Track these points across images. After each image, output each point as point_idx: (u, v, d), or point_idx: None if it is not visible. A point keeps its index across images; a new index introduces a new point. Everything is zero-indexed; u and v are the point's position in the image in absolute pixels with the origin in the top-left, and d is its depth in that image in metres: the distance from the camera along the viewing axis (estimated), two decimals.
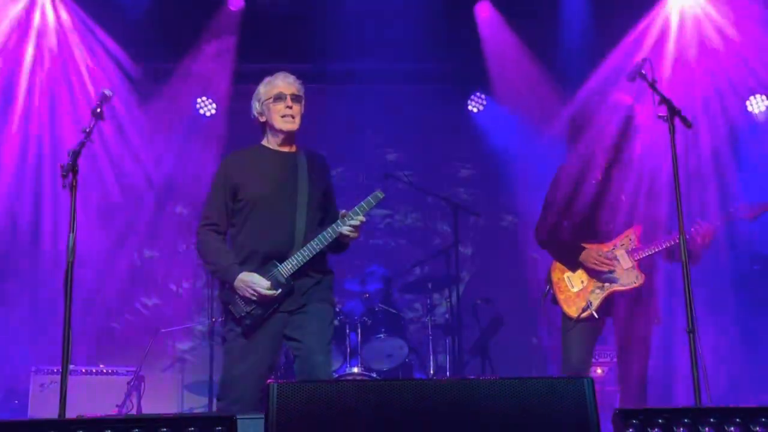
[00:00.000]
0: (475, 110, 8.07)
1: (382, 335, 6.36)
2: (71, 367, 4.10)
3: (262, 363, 4.03)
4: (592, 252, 4.48)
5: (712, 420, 2.78)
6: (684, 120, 3.88)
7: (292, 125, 4.20)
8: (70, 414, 3.37)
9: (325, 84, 7.90)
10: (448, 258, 6.99)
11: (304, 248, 4.03)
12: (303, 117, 4.25)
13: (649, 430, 2.76)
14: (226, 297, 4.11)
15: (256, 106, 4.26)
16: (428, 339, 6.75)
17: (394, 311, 6.68)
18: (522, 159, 7.73)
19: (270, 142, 4.27)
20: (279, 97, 4.17)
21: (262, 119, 4.26)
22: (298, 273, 4.04)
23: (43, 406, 6.02)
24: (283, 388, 2.82)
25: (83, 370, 6.28)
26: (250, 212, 4.11)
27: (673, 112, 3.88)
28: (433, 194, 7.52)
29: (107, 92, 3.87)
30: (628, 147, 4.63)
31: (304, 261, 4.03)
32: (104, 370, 6.40)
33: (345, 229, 4.02)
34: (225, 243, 4.18)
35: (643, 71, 4.00)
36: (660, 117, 3.93)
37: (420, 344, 6.97)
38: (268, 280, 4.00)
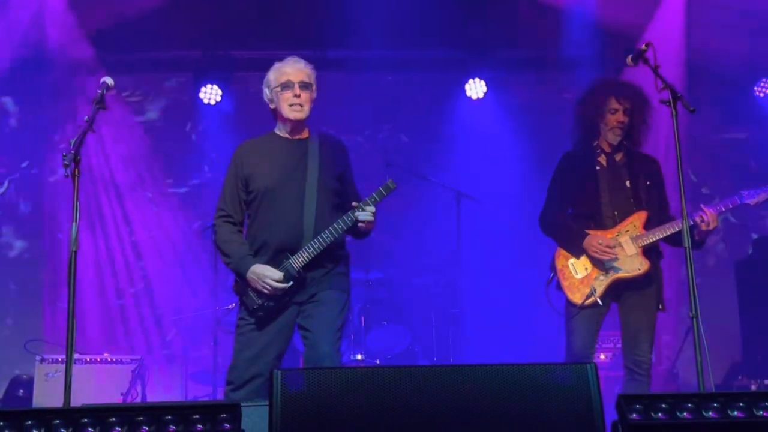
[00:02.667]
0: (476, 96, 8.03)
1: (385, 323, 6.38)
2: (76, 356, 4.11)
3: (271, 351, 4.02)
4: (593, 240, 4.48)
5: (715, 405, 2.78)
6: (686, 105, 3.87)
7: (300, 114, 4.14)
8: (75, 403, 3.38)
9: (324, 71, 7.87)
10: (451, 245, 6.99)
11: (315, 240, 3.98)
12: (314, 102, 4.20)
13: (652, 415, 2.76)
14: (239, 289, 4.10)
15: (266, 93, 4.22)
16: (431, 326, 6.76)
17: (397, 299, 6.70)
18: (525, 145, 7.72)
19: (281, 129, 4.23)
20: (287, 85, 4.12)
21: (272, 106, 4.22)
22: (311, 264, 4.01)
23: (47, 395, 6.03)
24: (287, 375, 2.83)
25: (87, 359, 6.29)
26: (260, 203, 4.09)
27: (676, 97, 3.87)
28: (434, 181, 7.51)
29: (108, 81, 3.85)
30: (634, 132, 4.63)
31: (316, 253, 3.99)
32: (109, 359, 6.41)
33: (358, 222, 3.98)
34: (240, 234, 4.16)
35: (646, 56, 3.98)
36: (663, 102, 3.92)
37: (423, 331, 6.98)
38: (280, 272, 3.98)
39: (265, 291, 3.98)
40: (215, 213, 4.19)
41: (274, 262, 4.01)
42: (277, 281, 3.96)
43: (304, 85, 4.15)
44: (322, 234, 3.99)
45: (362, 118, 8.21)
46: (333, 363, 3.98)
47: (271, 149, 4.18)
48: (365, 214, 3.96)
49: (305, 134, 4.25)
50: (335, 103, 8.08)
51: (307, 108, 4.16)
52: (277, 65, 4.21)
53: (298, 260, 3.99)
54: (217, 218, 4.17)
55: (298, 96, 4.12)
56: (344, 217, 4.01)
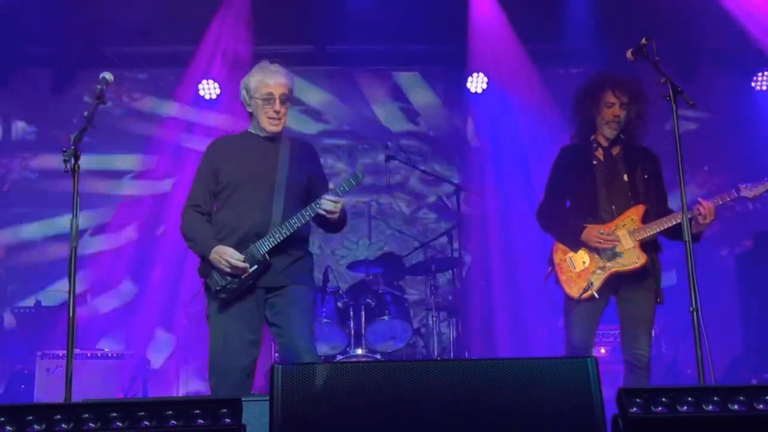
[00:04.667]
0: (475, 90, 8.00)
1: (386, 317, 6.37)
2: (77, 351, 4.11)
3: (243, 339, 4.05)
4: (593, 230, 4.49)
5: (715, 399, 2.79)
6: (687, 99, 3.86)
7: (278, 127, 4.21)
8: (76, 398, 3.39)
9: (324, 65, 7.88)
10: (451, 239, 6.99)
11: (282, 226, 4.05)
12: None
13: (653, 409, 2.77)
14: (203, 271, 4.15)
15: (244, 96, 4.25)
16: (432, 320, 6.77)
17: (398, 293, 6.70)
18: (525, 139, 7.72)
19: (256, 129, 4.28)
20: (268, 99, 4.16)
21: (249, 110, 4.26)
22: (276, 250, 4.07)
23: (49, 390, 6.05)
24: (288, 370, 2.83)
25: (89, 354, 6.30)
26: (230, 194, 4.15)
27: (676, 90, 3.87)
28: (434, 175, 7.51)
29: (108, 76, 3.84)
30: (630, 126, 4.63)
31: (282, 238, 4.04)
32: (110, 354, 6.42)
33: (321, 210, 4.02)
34: (207, 222, 4.21)
35: (646, 50, 3.98)
36: (663, 96, 3.92)
37: (424, 326, 6.98)
38: (241, 254, 4.04)
39: (227, 270, 4.02)
40: (185, 203, 4.24)
41: (241, 247, 4.07)
42: (238, 260, 4.00)
43: (285, 98, 4.20)
44: (290, 220, 4.06)
45: (362, 111, 8.20)
46: (312, 357, 4.05)
47: (245, 146, 4.25)
48: (328, 203, 4.00)
49: (279, 135, 4.30)
50: (335, 97, 8.10)
51: (285, 119, 4.23)
52: (258, 74, 4.19)
53: (264, 244, 4.05)
54: (186, 207, 4.23)
55: (279, 111, 4.17)
56: (312, 204, 4.07)
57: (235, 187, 4.14)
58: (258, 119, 4.21)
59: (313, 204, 4.06)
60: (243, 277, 4.03)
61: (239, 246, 4.06)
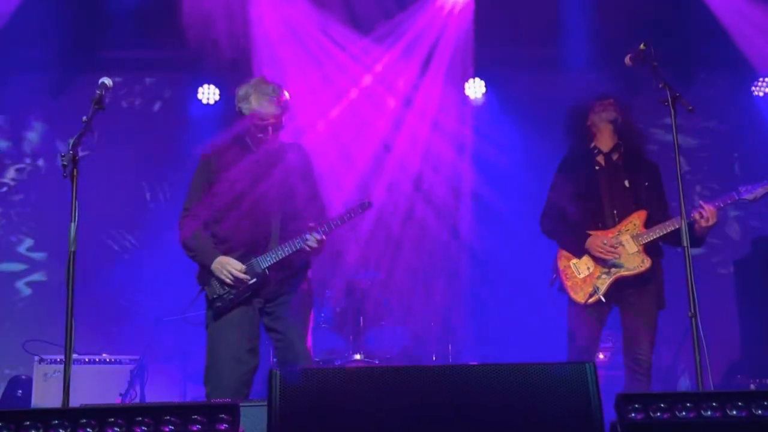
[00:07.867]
0: (475, 96, 8.00)
1: (384, 322, 6.37)
2: (75, 356, 4.12)
3: (240, 347, 4.09)
4: (597, 240, 4.49)
5: (714, 404, 2.79)
6: (686, 104, 3.87)
7: (269, 146, 4.26)
8: (74, 403, 3.38)
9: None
10: (450, 244, 6.98)
11: (286, 244, 4.11)
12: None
13: (651, 414, 2.77)
14: (203, 279, 4.20)
15: (237, 111, 4.28)
16: (430, 325, 6.76)
17: (396, 298, 6.69)
18: (524, 144, 7.71)
19: (249, 137, 4.31)
20: (260, 128, 4.22)
21: (245, 116, 4.28)
22: (276, 266, 4.14)
23: (46, 396, 6.03)
24: (286, 374, 2.83)
25: (86, 359, 6.28)
26: (228, 206, 4.19)
27: (674, 96, 3.88)
28: (434, 180, 7.48)
29: (107, 81, 3.84)
30: (631, 131, 4.65)
31: (284, 256, 4.12)
32: (108, 359, 6.40)
33: (306, 246, 4.10)
34: (205, 231, 4.25)
35: (644, 56, 3.98)
36: (661, 101, 3.93)
37: (422, 330, 6.96)
38: (242, 265, 4.10)
39: (227, 281, 4.07)
40: (182, 212, 4.28)
41: (241, 261, 4.13)
42: (239, 271, 4.07)
43: (278, 126, 4.26)
44: (293, 240, 4.11)
45: (361, 116, 8.19)
46: (309, 361, 4.13)
47: (239, 154, 4.27)
48: (313, 241, 4.07)
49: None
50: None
51: (278, 136, 4.29)
52: (253, 99, 4.21)
53: (265, 260, 4.12)
54: (183, 217, 4.26)
55: (270, 138, 4.24)
56: (300, 238, 4.10)
57: (232, 200, 4.18)
58: (250, 138, 4.27)
59: (299, 239, 4.10)
60: (241, 288, 4.08)
61: (239, 260, 4.12)
